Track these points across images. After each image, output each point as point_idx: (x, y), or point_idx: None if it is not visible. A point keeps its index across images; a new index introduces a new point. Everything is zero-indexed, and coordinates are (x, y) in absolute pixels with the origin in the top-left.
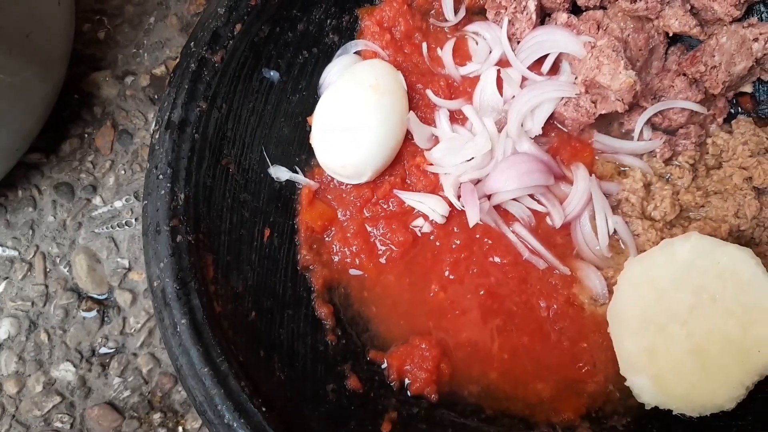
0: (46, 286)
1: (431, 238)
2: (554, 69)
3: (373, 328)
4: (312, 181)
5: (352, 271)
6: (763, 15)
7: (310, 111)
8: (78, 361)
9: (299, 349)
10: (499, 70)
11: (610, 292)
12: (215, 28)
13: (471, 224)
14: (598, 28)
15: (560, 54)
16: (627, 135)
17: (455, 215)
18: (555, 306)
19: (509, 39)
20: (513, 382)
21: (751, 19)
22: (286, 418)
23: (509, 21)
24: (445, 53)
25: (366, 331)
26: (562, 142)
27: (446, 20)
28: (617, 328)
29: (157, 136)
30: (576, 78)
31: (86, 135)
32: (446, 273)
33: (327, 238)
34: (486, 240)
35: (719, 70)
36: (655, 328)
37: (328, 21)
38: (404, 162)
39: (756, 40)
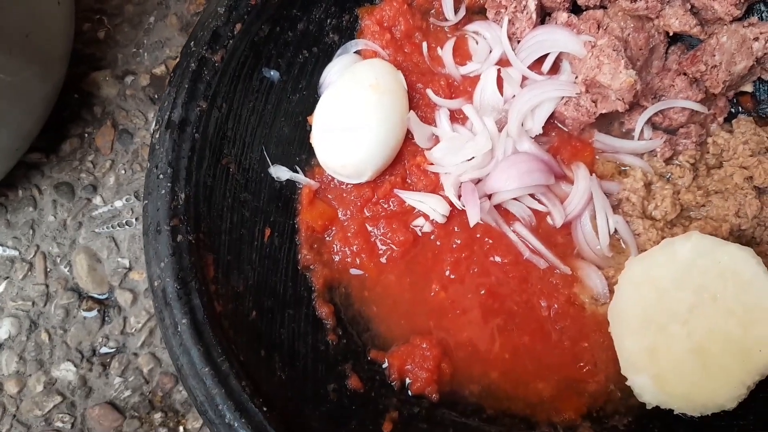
0: (47, 286)
1: (432, 237)
2: (554, 68)
3: (373, 328)
4: (312, 180)
5: (353, 271)
6: (763, 14)
7: (311, 110)
8: (79, 360)
9: (300, 348)
10: (499, 70)
11: (611, 291)
12: (215, 28)
13: (472, 224)
14: (599, 27)
15: (560, 53)
16: (627, 134)
17: (456, 215)
18: (556, 305)
19: (509, 38)
20: (514, 382)
21: (751, 18)
22: (287, 418)
23: (509, 20)
24: (446, 53)
25: (367, 330)
26: (562, 142)
27: (446, 20)
28: (618, 328)
29: (157, 136)
30: (576, 77)
31: (86, 135)
32: (447, 272)
33: (327, 238)
34: (487, 239)
35: (720, 70)
36: (656, 328)
37: (328, 20)
38: (405, 161)
39: (756, 39)
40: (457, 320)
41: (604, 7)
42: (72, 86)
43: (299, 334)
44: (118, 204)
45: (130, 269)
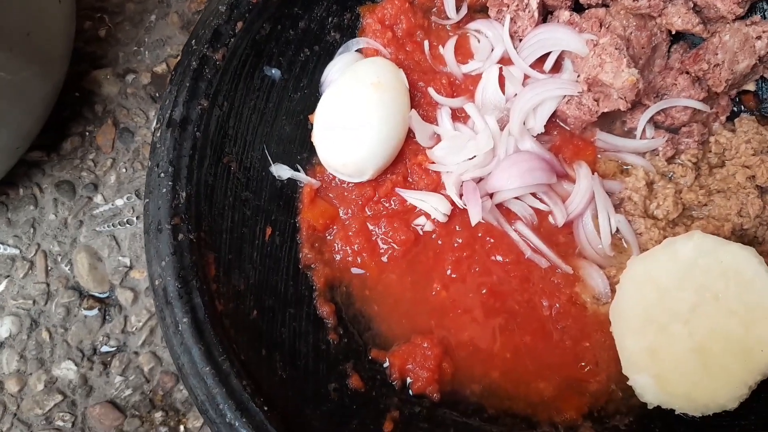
0: (48, 285)
1: (433, 236)
2: (556, 67)
3: (374, 327)
4: (313, 179)
5: (354, 270)
6: (766, 12)
7: (312, 109)
8: (79, 359)
9: (301, 348)
10: (501, 68)
11: (613, 291)
12: (216, 26)
13: (473, 223)
14: (601, 25)
15: (563, 52)
16: (629, 133)
17: (457, 214)
18: (557, 305)
19: (511, 37)
20: (515, 382)
21: (754, 16)
22: (288, 417)
23: (511, 19)
24: (447, 51)
25: (368, 329)
26: (564, 141)
27: (448, 18)
28: (619, 327)
29: (158, 134)
30: (578, 76)
31: (87, 133)
32: (448, 272)
33: (329, 237)
34: (488, 239)
35: (722, 68)
36: (657, 327)
37: (330, 19)
38: (406, 160)
39: (759, 38)
40: (459, 319)
41: (606, 6)
42: (73, 85)
43: (300, 334)
44: (119, 202)
45: (130, 268)
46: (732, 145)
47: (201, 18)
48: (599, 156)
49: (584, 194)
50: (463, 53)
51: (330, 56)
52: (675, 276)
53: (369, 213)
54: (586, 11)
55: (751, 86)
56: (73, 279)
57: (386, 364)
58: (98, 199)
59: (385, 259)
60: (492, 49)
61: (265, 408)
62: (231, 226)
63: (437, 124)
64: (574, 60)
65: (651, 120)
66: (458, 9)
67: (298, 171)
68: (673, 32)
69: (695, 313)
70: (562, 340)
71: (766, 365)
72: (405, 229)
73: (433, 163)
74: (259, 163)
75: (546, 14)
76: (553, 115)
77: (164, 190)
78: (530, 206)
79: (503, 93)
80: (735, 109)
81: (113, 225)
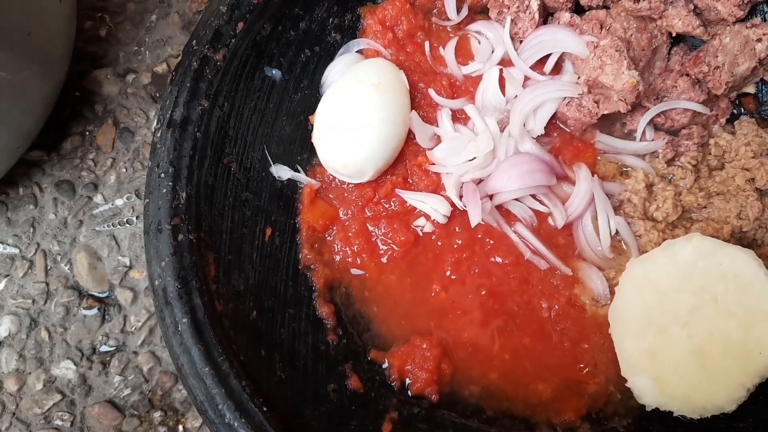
0: (47, 284)
1: (433, 237)
2: (557, 69)
3: (374, 328)
4: (314, 180)
5: (354, 271)
6: (766, 15)
7: (312, 110)
8: (78, 359)
9: (300, 348)
10: (501, 70)
11: (612, 293)
12: (217, 27)
13: (473, 224)
14: (601, 27)
15: (563, 54)
16: (629, 135)
17: (457, 215)
18: (556, 306)
19: (512, 38)
20: (514, 383)
21: (754, 19)
22: (287, 418)
23: (512, 20)
24: (448, 52)
25: (367, 330)
26: (564, 142)
27: (449, 19)
28: (618, 329)
29: (158, 135)
30: (579, 78)
31: (87, 133)
32: (448, 273)
33: (328, 238)
34: (488, 240)
35: (722, 71)
36: (656, 330)
37: (330, 19)
38: (406, 161)
39: (759, 40)
40: (458, 321)
41: (606, 8)
42: (73, 84)
43: (300, 334)
44: (119, 202)
45: (130, 268)
46: (731, 147)
47: (202, 18)
48: (599, 158)
49: (584, 196)
50: (464, 54)
51: (330, 57)
52: (674, 278)
53: (369, 214)
54: (587, 13)
55: (751, 89)
56: (72, 278)
57: (385, 365)
58: (98, 198)
59: (384, 260)
60: (492, 51)
61: (264, 408)
62: (231, 226)
63: (437, 126)
64: (574, 62)
65: (651, 122)
66: (459, 10)
67: (298, 172)
68: (674, 34)
69: (694, 316)
70: (561, 341)
71: (764, 367)
72: (405, 230)
73: (433, 164)
74: (259, 164)
75: (546, 16)
76: (553, 116)
77: (164, 190)
78: (530, 208)
79: (503, 94)
80: (735, 111)
81: (113, 225)
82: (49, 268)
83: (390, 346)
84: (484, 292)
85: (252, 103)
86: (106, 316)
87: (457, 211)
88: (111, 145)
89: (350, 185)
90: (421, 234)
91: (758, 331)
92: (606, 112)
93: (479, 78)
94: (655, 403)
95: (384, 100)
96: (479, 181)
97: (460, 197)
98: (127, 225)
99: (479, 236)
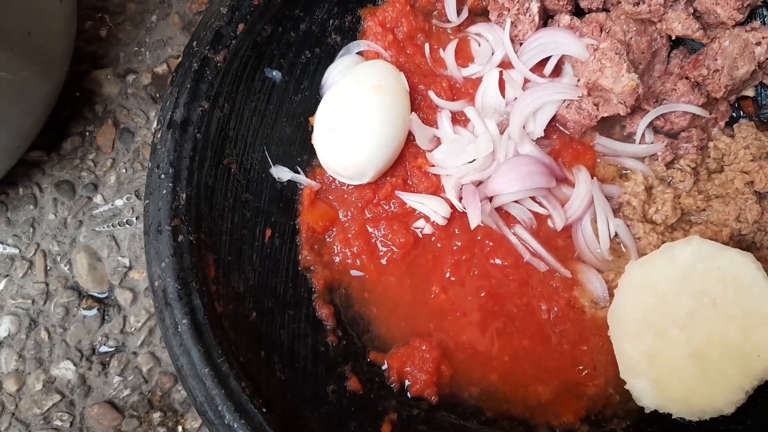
0: (47, 284)
1: (432, 239)
2: (557, 71)
3: (373, 330)
4: (313, 181)
5: (353, 272)
6: (765, 18)
7: (312, 111)
8: (78, 359)
9: (300, 349)
10: (501, 72)
11: (611, 295)
12: (218, 28)
13: (472, 226)
14: (601, 30)
15: (563, 56)
16: (629, 138)
17: (456, 217)
18: (556, 309)
19: (512, 41)
20: (513, 385)
21: (753, 23)
22: (286, 419)
23: (512, 23)
24: (448, 54)
25: (367, 332)
26: (563, 145)
27: (449, 21)
28: (618, 332)
29: (159, 136)
30: (578, 80)
31: (87, 133)
32: (447, 275)
33: (328, 239)
34: (487, 242)
35: (722, 74)
36: (655, 332)
37: (331, 21)
38: (406, 163)
39: (759, 44)
40: (457, 322)
41: (606, 10)
42: (73, 84)
43: (299, 336)
44: (119, 203)
45: (130, 268)
46: (731, 150)
47: (202, 19)
48: (598, 160)
49: (583, 198)
50: (464, 56)
51: (331, 59)
52: (673, 281)
53: (368, 215)
54: (587, 16)
55: (750, 92)
56: (72, 279)
57: (385, 367)
58: (98, 199)
59: (384, 261)
60: (492, 53)
61: (264, 409)
62: (231, 227)
63: (437, 127)
64: (574, 64)
65: (650, 125)
66: (459, 12)
67: (298, 173)
68: (673, 37)
69: (693, 318)
70: (560, 343)
71: (762, 370)
72: (404, 231)
73: (433, 166)
74: (259, 165)
75: (546, 18)
76: (553, 119)
77: (164, 191)
78: (529, 210)
79: (503, 97)
80: (734, 114)
81: (113, 225)
82: (48, 268)
83: (389, 347)
84: (483, 294)
85: (252, 104)
86: (106, 317)
87: (456, 212)
88: (111, 145)
89: (350, 187)
90: (420, 236)
91: (757, 334)
92: (605, 115)
93: (479, 80)
94: (654, 406)
95: (384, 102)
96: (479, 183)
97: (460, 199)
98: (127, 225)
99: (479, 238)
